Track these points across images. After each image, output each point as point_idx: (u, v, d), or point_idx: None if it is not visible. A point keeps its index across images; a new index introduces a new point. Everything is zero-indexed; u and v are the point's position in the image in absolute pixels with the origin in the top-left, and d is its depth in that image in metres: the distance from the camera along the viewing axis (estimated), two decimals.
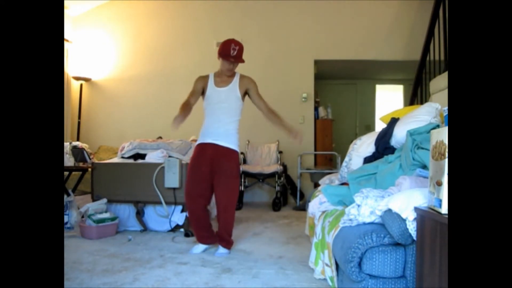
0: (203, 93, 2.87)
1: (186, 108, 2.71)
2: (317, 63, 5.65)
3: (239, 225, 3.72)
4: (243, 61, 2.80)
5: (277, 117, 2.81)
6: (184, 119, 2.65)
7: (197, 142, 2.86)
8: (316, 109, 5.76)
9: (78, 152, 3.78)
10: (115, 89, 5.79)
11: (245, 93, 2.85)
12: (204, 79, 2.87)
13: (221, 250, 2.73)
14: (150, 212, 3.45)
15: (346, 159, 2.81)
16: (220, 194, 2.72)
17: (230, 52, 2.71)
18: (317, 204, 2.34)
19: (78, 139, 5.55)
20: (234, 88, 2.80)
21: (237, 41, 2.78)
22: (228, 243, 2.76)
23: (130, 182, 3.43)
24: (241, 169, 4.80)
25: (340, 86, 7.52)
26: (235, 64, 2.79)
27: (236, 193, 2.80)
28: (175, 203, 3.36)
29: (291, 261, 2.53)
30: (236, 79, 2.84)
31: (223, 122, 2.77)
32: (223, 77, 2.83)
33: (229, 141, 2.76)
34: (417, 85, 4.64)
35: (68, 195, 3.39)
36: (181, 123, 2.59)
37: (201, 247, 2.79)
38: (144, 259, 2.58)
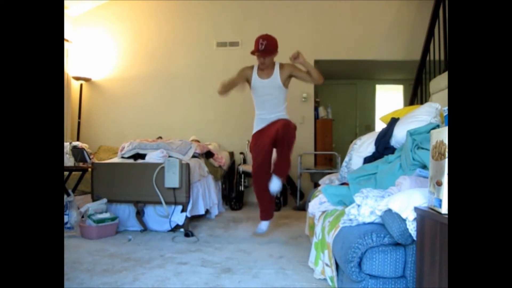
0: (248, 82, 3.14)
1: (229, 86, 3.08)
2: (317, 63, 5.64)
3: (239, 225, 3.72)
4: (272, 53, 2.97)
5: (311, 74, 3.00)
6: (226, 91, 3.09)
7: (254, 131, 3.16)
8: (316, 109, 5.76)
9: (78, 152, 3.78)
10: (115, 89, 5.79)
11: (289, 77, 3.07)
12: (248, 70, 3.13)
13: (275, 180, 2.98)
14: (150, 212, 3.45)
15: (346, 159, 2.81)
16: (279, 150, 3.00)
17: (258, 47, 2.92)
18: (317, 204, 2.34)
19: (78, 139, 5.54)
20: (275, 78, 3.03)
21: (266, 35, 2.97)
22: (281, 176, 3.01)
23: (130, 182, 3.43)
24: (241, 169, 4.80)
25: (340, 86, 7.52)
26: (266, 58, 2.97)
27: (291, 145, 3.04)
28: (175, 203, 3.35)
29: (291, 261, 2.53)
30: (276, 70, 3.05)
31: (273, 111, 3.08)
32: (264, 69, 3.06)
33: (280, 115, 3.08)
34: (417, 85, 4.64)
35: (68, 195, 3.39)
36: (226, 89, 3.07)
37: (265, 223, 3.11)
38: (144, 259, 2.58)
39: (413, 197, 1.38)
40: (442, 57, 4.09)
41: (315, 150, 5.66)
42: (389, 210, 1.48)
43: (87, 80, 5.72)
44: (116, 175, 3.48)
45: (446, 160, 1.11)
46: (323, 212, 2.24)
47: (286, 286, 2.09)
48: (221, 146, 5.33)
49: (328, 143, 5.83)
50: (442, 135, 1.16)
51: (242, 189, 4.81)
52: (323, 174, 4.11)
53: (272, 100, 3.09)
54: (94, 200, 3.43)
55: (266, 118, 3.12)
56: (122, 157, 3.74)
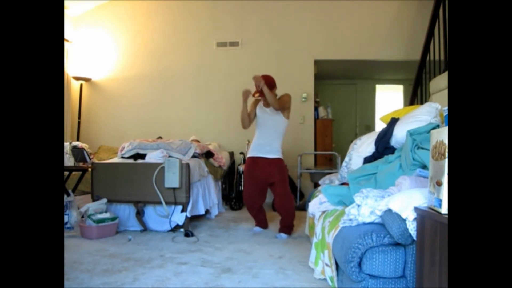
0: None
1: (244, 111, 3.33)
2: (317, 63, 5.65)
3: (239, 225, 3.72)
4: (272, 89, 3.25)
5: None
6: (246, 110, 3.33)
7: (248, 156, 3.43)
8: (316, 109, 5.75)
9: (78, 152, 3.78)
10: (115, 89, 5.79)
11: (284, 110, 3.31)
12: (257, 101, 3.42)
13: (283, 235, 3.30)
14: (150, 212, 3.45)
15: (346, 159, 2.81)
16: (277, 197, 3.39)
17: (257, 88, 3.20)
18: (317, 204, 2.34)
19: (78, 139, 5.54)
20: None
21: (264, 75, 3.20)
22: (289, 230, 3.37)
23: (130, 182, 3.43)
24: (241, 169, 4.80)
25: (340, 86, 7.52)
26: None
27: (289, 192, 3.44)
28: (175, 203, 3.36)
29: (291, 261, 2.53)
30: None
31: (269, 139, 3.32)
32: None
33: (275, 153, 3.33)
34: (417, 85, 4.64)
35: (68, 195, 3.39)
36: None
37: (258, 229, 3.50)
38: (144, 259, 2.58)
39: (413, 197, 1.38)
40: (442, 57, 4.08)
41: (315, 150, 5.66)
42: (389, 210, 1.48)
43: (87, 80, 5.72)
44: (116, 175, 3.48)
45: (446, 160, 1.11)
46: (323, 212, 2.24)
47: (286, 286, 2.09)
48: (221, 146, 5.32)
49: (328, 143, 5.83)
50: (442, 135, 1.16)
51: (242, 189, 4.80)
52: (323, 174, 4.11)
53: (271, 128, 3.35)
54: (94, 200, 3.43)
55: (262, 146, 3.35)
56: (122, 157, 3.74)
